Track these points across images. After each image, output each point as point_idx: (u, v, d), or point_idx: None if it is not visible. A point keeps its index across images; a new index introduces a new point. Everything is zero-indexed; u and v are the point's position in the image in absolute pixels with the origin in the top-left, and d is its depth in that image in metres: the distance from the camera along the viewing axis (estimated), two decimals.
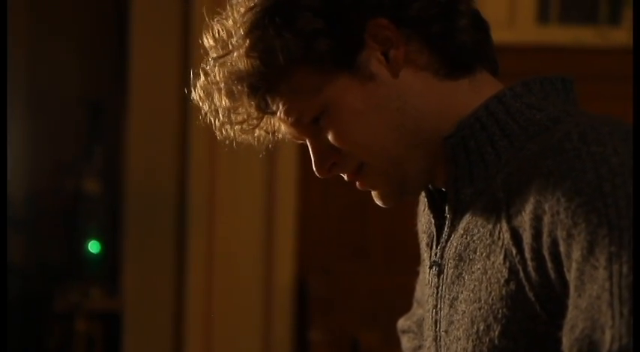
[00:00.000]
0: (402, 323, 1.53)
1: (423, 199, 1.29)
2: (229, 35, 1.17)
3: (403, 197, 1.21)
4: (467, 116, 1.15)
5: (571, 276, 1.00)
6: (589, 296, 0.97)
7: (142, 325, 4.09)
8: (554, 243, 1.02)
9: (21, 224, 4.57)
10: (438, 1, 1.15)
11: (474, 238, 1.13)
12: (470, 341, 1.12)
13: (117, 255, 4.28)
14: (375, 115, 1.16)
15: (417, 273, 1.45)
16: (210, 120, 1.23)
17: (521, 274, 1.06)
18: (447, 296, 1.18)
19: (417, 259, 1.40)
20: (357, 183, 1.21)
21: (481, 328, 1.10)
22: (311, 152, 1.21)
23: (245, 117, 1.20)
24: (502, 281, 1.08)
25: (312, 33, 1.13)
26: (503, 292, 1.08)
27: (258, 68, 1.15)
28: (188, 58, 3.92)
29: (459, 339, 1.14)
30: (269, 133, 1.24)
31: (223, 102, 1.19)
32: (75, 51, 4.61)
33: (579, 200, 1.00)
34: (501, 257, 1.08)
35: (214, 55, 1.18)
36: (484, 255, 1.11)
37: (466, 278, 1.14)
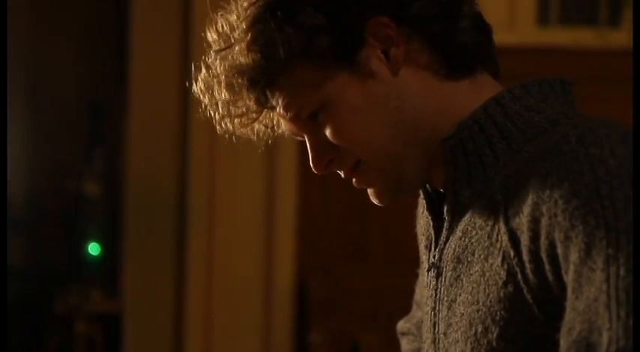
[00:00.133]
0: (401, 325, 1.53)
1: (421, 201, 1.29)
2: (232, 29, 1.18)
3: (399, 195, 1.21)
4: (465, 118, 1.15)
5: (568, 278, 1.00)
6: (586, 299, 0.97)
7: (142, 327, 4.09)
8: (552, 245, 1.02)
9: (21, 225, 4.58)
10: (439, 1, 1.16)
11: (472, 240, 1.13)
12: (468, 343, 1.12)
13: (117, 257, 4.28)
14: (373, 113, 1.16)
15: (417, 275, 1.45)
16: (210, 113, 1.23)
17: (519, 276, 1.06)
18: (445, 298, 1.18)
19: (417, 261, 1.40)
20: (354, 180, 1.21)
21: (479, 330, 1.10)
22: (309, 148, 1.21)
23: (244, 110, 1.21)
24: (500, 283, 1.08)
25: (313, 28, 1.14)
26: (501, 294, 1.08)
27: (258, 62, 1.15)
28: (188, 58, 3.92)
29: (458, 341, 1.14)
30: (268, 128, 1.25)
31: (223, 95, 1.20)
32: (75, 52, 4.61)
33: (577, 202, 1.00)
34: (499, 259, 1.08)
35: (216, 48, 1.19)
36: (482, 257, 1.11)
37: (464, 280, 1.14)
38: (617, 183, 0.99)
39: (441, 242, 1.20)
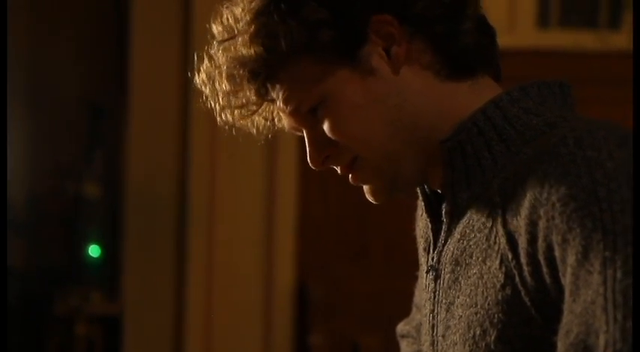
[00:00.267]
0: (401, 327, 1.53)
1: (420, 204, 1.29)
2: (236, 21, 1.18)
3: (394, 194, 1.22)
4: (464, 120, 1.15)
5: (566, 281, 1.00)
6: (584, 301, 0.97)
7: (141, 329, 4.09)
8: (550, 248, 1.02)
9: (21, 227, 4.57)
10: (443, 1, 1.16)
11: (471, 243, 1.13)
12: (466, 345, 1.12)
13: (117, 259, 4.28)
14: (372, 110, 1.16)
15: (416, 278, 1.45)
16: (210, 104, 1.23)
17: (517, 279, 1.06)
18: (443, 300, 1.18)
19: (416, 263, 1.40)
20: (350, 177, 1.21)
21: (477, 333, 1.10)
22: (307, 143, 1.22)
23: (244, 102, 1.21)
24: (498, 285, 1.08)
25: (316, 23, 1.14)
26: (499, 297, 1.08)
27: (260, 53, 1.16)
28: (188, 59, 3.91)
29: (456, 344, 1.14)
30: (268, 121, 1.25)
31: (224, 86, 1.20)
32: (75, 53, 4.61)
33: (574, 205, 1.00)
34: (497, 261, 1.09)
35: (219, 39, 1.19)
36: (480, 259, 1.11)
37: (462, 282, 1.14)
38: (615, 185, 0.99)
39: (439, 244, 1.20)
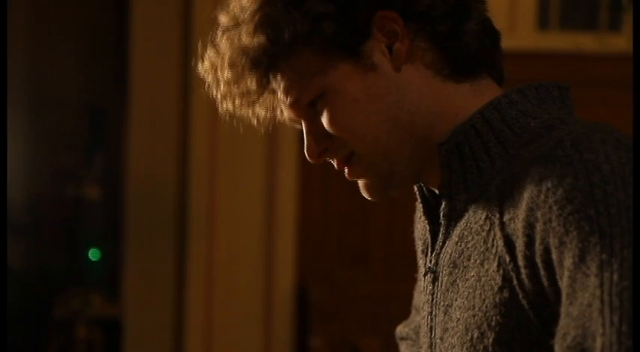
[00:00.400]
0: (400, 329, 1.53)
1: (419, 206, 1.29)
2: (242, 10, 1.19)
3: (389, 192, 1.22)
4: (462, 122, 1.16)
5: (563, 284, 1.00)
6: (580, 304, 0.97)
7: (142, 331, 4.09)
8: (547, 251, 1.02)
9: (21, 230, 4.58)
10: (448, 0, 1.16)
11: (468, 245, 1.13)
12: (464, 348, 1.12)
13: (117, 262, 4.28)
14: (371, 105, 1.17)
15: (416, 280, 1.45)
16: (212, 93, 1.23)
17: (515, 281, 1.06)
18: (441, 303, 1.18)
19: (416, 266, 1.40)
20: (346, 171, 1.22)
21: (475, 335, 1.10)
22: (305, 135, 1.22)
23: (245, 90, 1.21)
24: (496, 288, 1.08)
25: (320, 15, 1.15)
26: (497, 299, 1.08)
27: (263, 43, 1.16)
28: (188, 65, 3.92)
29: (454, 346, 1.14)
30: (268, 111, 1.25)
31: (226, 74, 1.20)
32: (75, 57, 4.61)
33: (571, 207, 1.00)
34: (495, 264, 1.09)
35: (224, 27, 1.20)
36: (478, 262, 1.11)
37: (460, 285, 1.14)
38: (612, 188, 0.99)
39: (437, 246, 1.20)
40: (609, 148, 1.02)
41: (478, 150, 1.14)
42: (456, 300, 1.14)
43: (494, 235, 1.09)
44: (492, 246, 1.09)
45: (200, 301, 4.03)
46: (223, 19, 1.20)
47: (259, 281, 4.05)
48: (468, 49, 1.17)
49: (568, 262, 0.99)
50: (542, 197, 1.02)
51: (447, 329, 1.16)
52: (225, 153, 3.96)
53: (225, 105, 1.23)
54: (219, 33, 1.20)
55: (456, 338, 1.14)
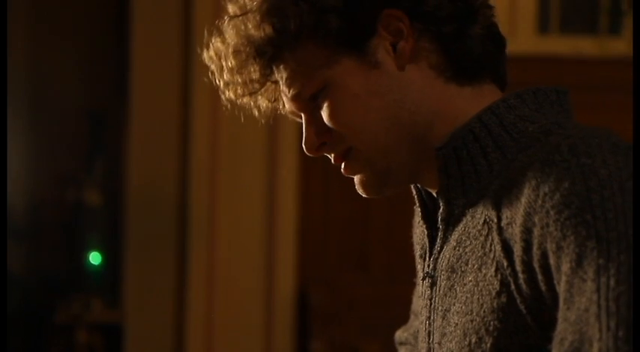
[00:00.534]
0: (399, 334, 1.53)
1: (417, 210, 1.29)
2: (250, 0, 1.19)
3: (384, 190, 1.22)
4: (460, 127, 1.16)
5: (560, 289, 1.00)
6: (577, 309, 0.97)
7: (142, 336, 4.08)
8: (544, 256, 1.02)
9: (22, 235, 4.57)
10: (455, 2, 1.17)
11: (466, 250, 1.13)
12: None
13: (118, 267, 4.27)
14: (371, 102, 1.17)
15: (415, 285, 1.45)
16: (215, 81, 1.24)
17: (513, 286, 1.06)
18: (439, 307, 1.18)
19: (416, 270, 1.40)
20: (342, 166, 1.22)
21: (473, 340, 1.10)
22: (304, 128, 1.22)
23: (248, 79, 1.22)
24: (493, 293, 1.08)
25: (327, 8, 1.16)
26: (495, 304, 1.08)
27: (268, 33, 1.17)
28: (189, 69, 3.93)
29: (452, 351, 1.14)
30: (270, 102, 1.26)
31: (230, 62, 1.21)
32: (76, 62, 4.61)
33: (568, 212, 1.00)
34: (493, 269, 1.09)
35: (230, 15, 1.20)
36: (476, 266, 1.11)
37: (458, 290, 1.14)
38: (609, 193, 0.99)
39: (435, 251, 1.21)
40: (606, 153, 1.02)
41: (476, 155, 1.14)
42: (454, 305, 1.14)
43: (492, 240, 1.09)
44: (490, 250, 1.09)
45: (201, 306, 4.03)
46: (231, 7, 1.21)
47: (260, 285, 4.05)
48: (472, 52, 1.17)
49: (565, 267, 0.99)
50: (540, 202, 1.02)
51: (445, 334, 1.16)
52: (225, 159, 3.96)
53: (227, 94, 1.24)
54: (226, 21, 1.21)
55: (454, 343, 1.14)
